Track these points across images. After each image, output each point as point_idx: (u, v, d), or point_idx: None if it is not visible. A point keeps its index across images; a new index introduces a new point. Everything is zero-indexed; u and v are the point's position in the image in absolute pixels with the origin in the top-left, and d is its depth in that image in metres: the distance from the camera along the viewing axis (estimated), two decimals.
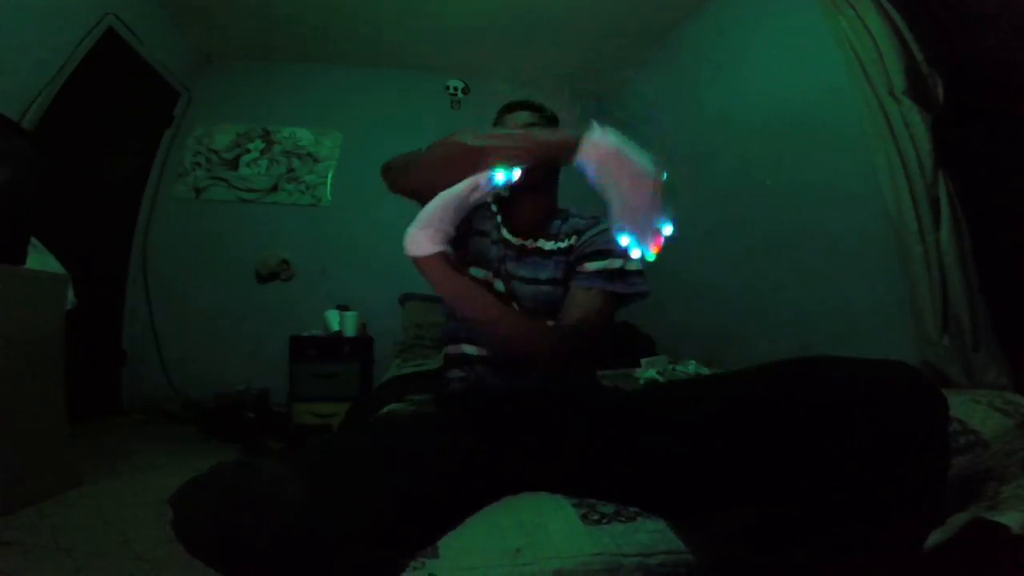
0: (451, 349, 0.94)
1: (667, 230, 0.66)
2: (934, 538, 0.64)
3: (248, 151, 3.19)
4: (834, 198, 1.81)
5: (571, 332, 0.81)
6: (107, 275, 2.78)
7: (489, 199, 0.80)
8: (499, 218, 0.96)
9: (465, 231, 0.88)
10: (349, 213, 3.17)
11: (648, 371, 1.65)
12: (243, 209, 3.14)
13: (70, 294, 1.70)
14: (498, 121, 1.00)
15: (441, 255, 0.72)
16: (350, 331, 2.82)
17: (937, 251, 1.33)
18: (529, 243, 0.94)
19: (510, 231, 0.95)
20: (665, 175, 0.67)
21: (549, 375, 0.84)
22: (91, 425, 2.28)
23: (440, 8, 2.73)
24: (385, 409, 1.26)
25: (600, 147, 0.68)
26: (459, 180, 0.72)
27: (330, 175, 3.23)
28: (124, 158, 2.87)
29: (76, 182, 2.38)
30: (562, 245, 0.92)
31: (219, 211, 3.12)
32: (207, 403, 2.64)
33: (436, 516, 0.64)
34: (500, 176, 0.71)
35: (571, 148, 0.70)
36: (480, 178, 0.70)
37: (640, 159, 0.68)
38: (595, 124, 0.69)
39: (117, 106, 2.65)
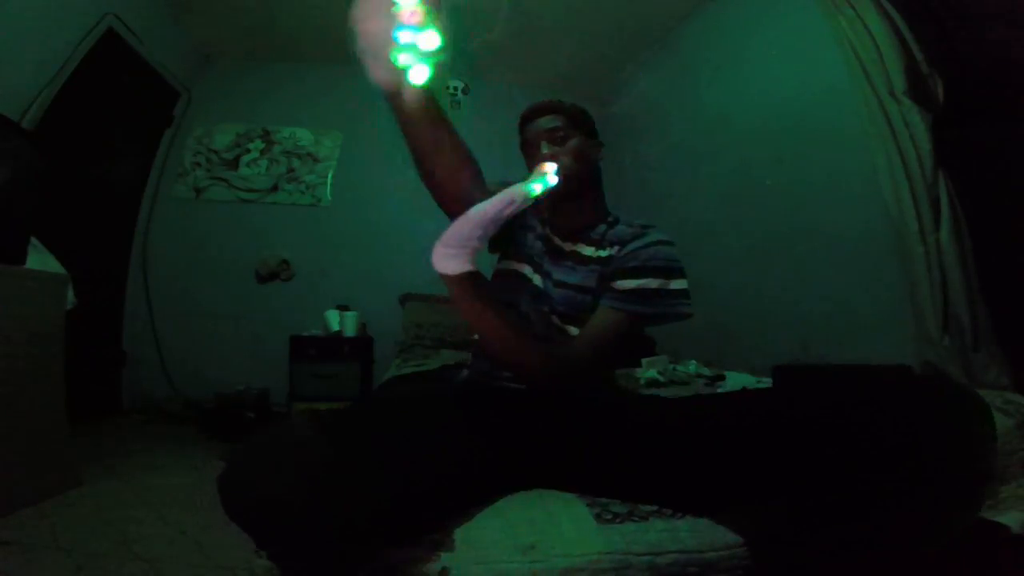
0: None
1: (420, 40, 0.56)
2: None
3: (248, 151, 3.19)
4: (834, 198, 1.81)
5: (577, 363, 0.79)
6: (107, 275, 2.78)
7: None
8: (545, 214, 0.96)
9: (511, 223, 0.83)
10: (349, 213, 3.18)
11: (648, 371, 1.65)
12: (243, 209, 3.14)
13: (70, 294, 1.70)
14: (521, 131, 0.96)
15: (466, 276, 0.66)
16: (350, 331, 2.82)
17: (937, 251, 1.33)
18: (568, 246, 0.92)
19: (553, 230, 0.95)
20: None
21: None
22: (91, 425, 2.28)
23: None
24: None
25: None
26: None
27: (330, 175, 3.24)
28: (124, 158, 2.87)
29: (76, 182, 2.38)
30: (602, 254, 0.89)
31: (219, 211, 3.11)
32: (207, 403, 2.63)
33: (439, 504, 0.64)
34: (538, 188, 0.65)
35: None
36: (515, 193, 0.64)
37: None
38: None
39: (117, 106, 2.65)
